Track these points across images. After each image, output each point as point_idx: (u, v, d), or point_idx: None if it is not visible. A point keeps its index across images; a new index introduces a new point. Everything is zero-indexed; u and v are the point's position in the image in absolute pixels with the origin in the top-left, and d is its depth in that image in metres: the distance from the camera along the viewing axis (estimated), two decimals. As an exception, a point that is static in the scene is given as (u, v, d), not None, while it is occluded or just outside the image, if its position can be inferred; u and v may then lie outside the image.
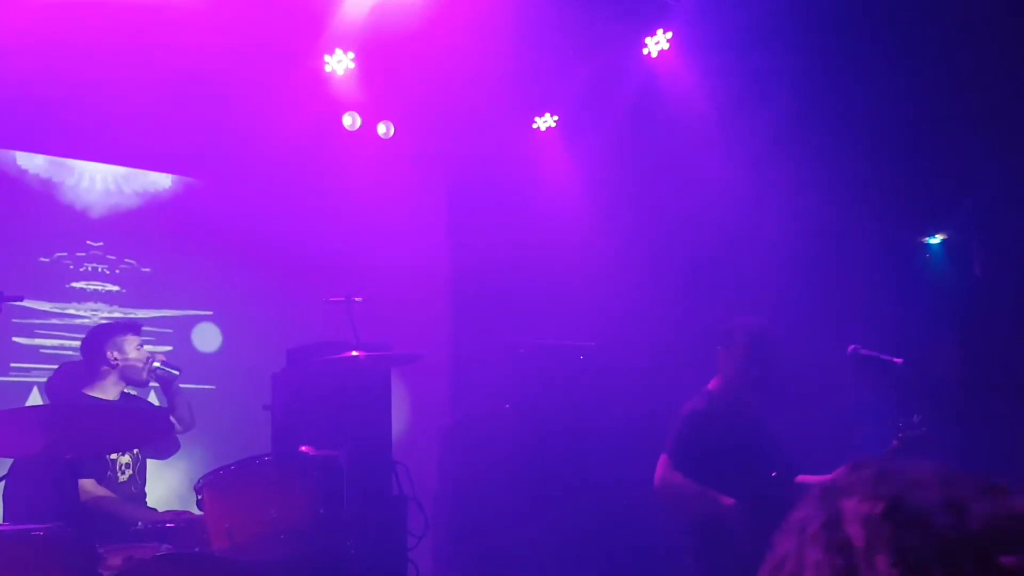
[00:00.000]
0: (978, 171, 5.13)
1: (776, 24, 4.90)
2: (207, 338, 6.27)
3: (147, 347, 4.55)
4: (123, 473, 4.30)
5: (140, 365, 4.36)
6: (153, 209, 6.30)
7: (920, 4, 4.65)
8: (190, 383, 6.21)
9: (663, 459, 3.74)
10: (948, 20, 4.64)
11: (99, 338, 4.42)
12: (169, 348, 6.26)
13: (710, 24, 5.14)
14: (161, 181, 6.35)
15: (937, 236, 5.77)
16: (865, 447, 4.81)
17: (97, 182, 6.17)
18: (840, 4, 4.80)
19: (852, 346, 3.84)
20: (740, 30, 4.99)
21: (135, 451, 4.35)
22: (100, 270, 6.16)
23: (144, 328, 6.10)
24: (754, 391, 3.78)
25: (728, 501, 3.59)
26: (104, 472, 4.15)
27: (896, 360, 3.78)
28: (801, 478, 3.69)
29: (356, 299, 4.42)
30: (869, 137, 5.19)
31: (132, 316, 6.14)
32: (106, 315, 6.02)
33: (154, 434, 3.88)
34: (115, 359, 4.35)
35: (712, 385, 3.88)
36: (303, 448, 3.76)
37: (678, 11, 5.18)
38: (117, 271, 6.20)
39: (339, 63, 5.62)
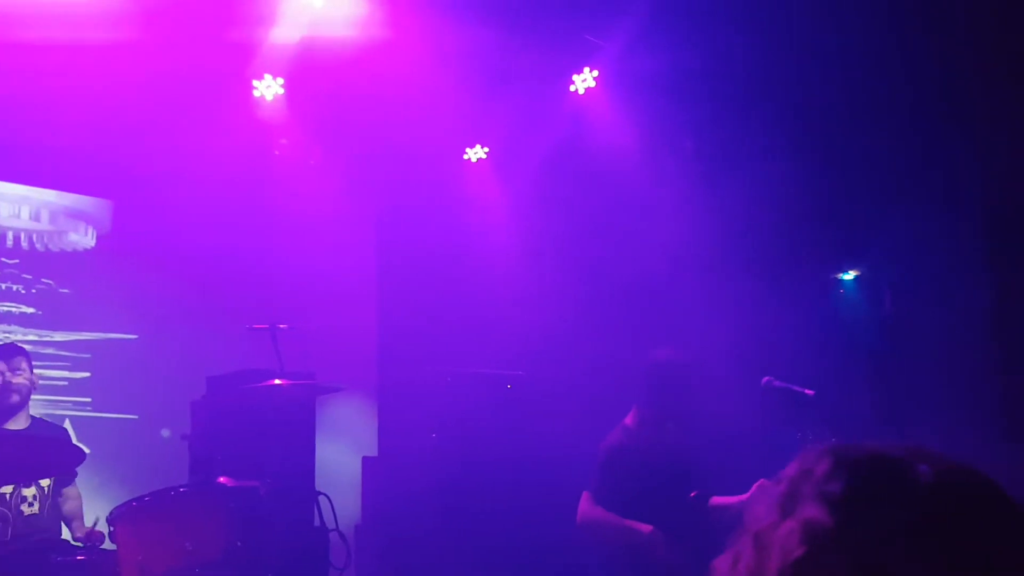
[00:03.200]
0: (889, 211, 5.36)
1: (697, 65, 5.07)
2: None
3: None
4: (30, 506, 4.17)
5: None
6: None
7: (836, 46, 4.85)
8: (110, 412, 6.06)
9: (584, 495, 3.82)
10: (861, 61, 4.85)
11: None
12: (87, 374, 6.09)
13: (635, 64, 5.29)
14: (83, 243, 6.20)
15: (850, 272, 5.99)
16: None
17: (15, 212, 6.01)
18: (758, 46, 4.99)
19: (765, 378, 3.95)
20: (664, 70, 5.15)
21: (44, 486, 4.23)
22: (15, 290, 5.97)
23: (61, 352, 5.97)
24: (669, 423, 3.86)
25: (646, 529, 3.66)
26: None
27: (808, 392, 3.89)
28: (715, 500, 3.78)
29: (281, 326, 4.37)
30: (787, 177, 5.38)
31: (48, 339, 5.96)
32: (20, 338, 5.83)
33: (62, 464, 3.79)
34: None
35: (628, 419, 3.95)
36: (221, 479, 3.71)
37: (604, 51, 5.33)
38: (33, 291, 6.02)
39: (268, 88, 5.60)
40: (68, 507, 4.34)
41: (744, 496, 3.77)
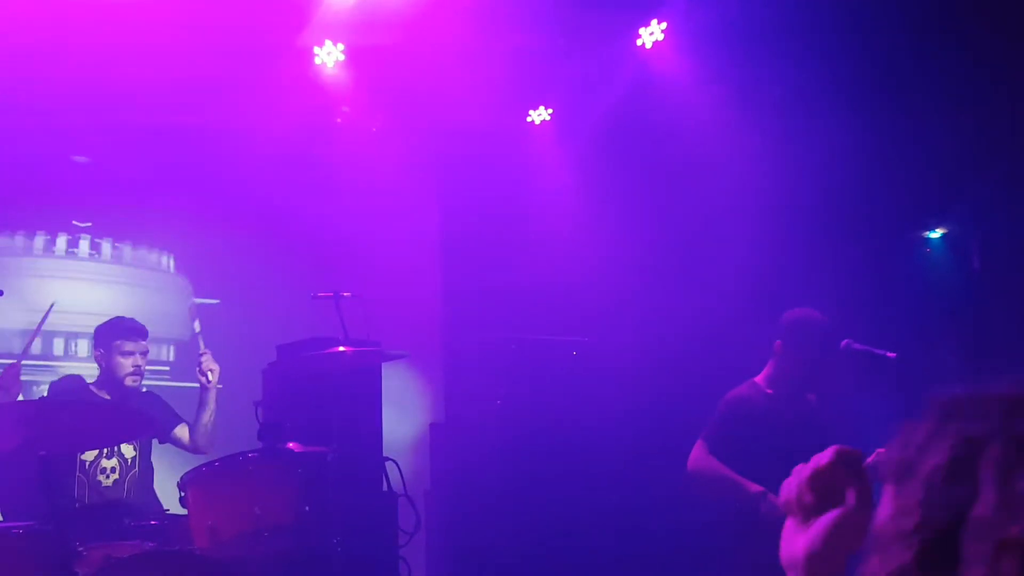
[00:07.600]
0: (977, 167, 5.09)
1: (773, 14, 4.84)
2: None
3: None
4: (107, 477, 4.26)
5: (119, 373, 4.34)
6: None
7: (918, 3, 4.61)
8: (187, 381, 6.16)
9: (698, 443, 3.80)
10: (948, 18, 4.60)
11: (98, 333, 4.43)
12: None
13: (705, 14, 5.07)
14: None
15: (938, 230, 5.72)
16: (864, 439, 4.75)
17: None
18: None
19: (845, 340, 3.80)
20: (736, 20, 4.92)
21: (128, 457, 4.33)
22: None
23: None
24: (805, 384, 3.78)
25: (756, 488, 3.57)
26: (72, 473, 4.12)
27: (889, 354, 3.73)
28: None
29: (344, 294, 4.37)
30: (871, 131, 5.14)
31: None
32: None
33: (131, 433, 3.86)
34: (99, 356, 4.39)
35: (761, 376, 3.89)
36: (290, 444, 3.71)
37: (673, 1, 5.12)
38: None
39: (328, 55, 5.56)
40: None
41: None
